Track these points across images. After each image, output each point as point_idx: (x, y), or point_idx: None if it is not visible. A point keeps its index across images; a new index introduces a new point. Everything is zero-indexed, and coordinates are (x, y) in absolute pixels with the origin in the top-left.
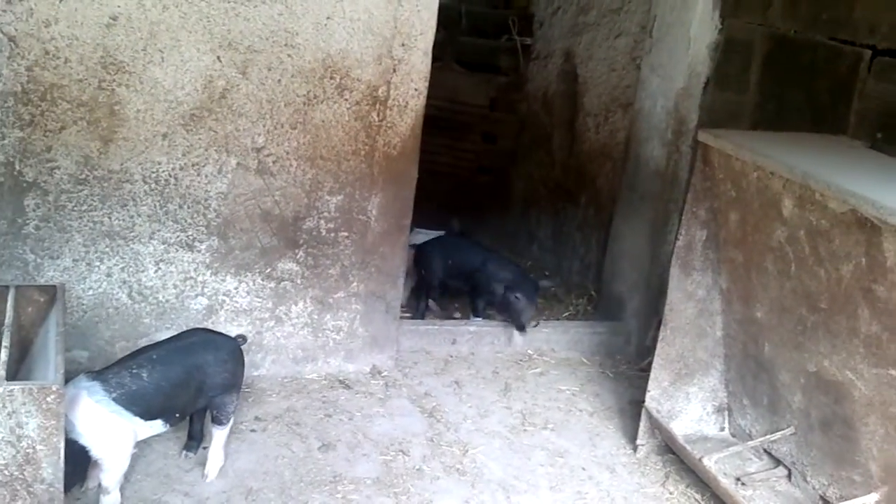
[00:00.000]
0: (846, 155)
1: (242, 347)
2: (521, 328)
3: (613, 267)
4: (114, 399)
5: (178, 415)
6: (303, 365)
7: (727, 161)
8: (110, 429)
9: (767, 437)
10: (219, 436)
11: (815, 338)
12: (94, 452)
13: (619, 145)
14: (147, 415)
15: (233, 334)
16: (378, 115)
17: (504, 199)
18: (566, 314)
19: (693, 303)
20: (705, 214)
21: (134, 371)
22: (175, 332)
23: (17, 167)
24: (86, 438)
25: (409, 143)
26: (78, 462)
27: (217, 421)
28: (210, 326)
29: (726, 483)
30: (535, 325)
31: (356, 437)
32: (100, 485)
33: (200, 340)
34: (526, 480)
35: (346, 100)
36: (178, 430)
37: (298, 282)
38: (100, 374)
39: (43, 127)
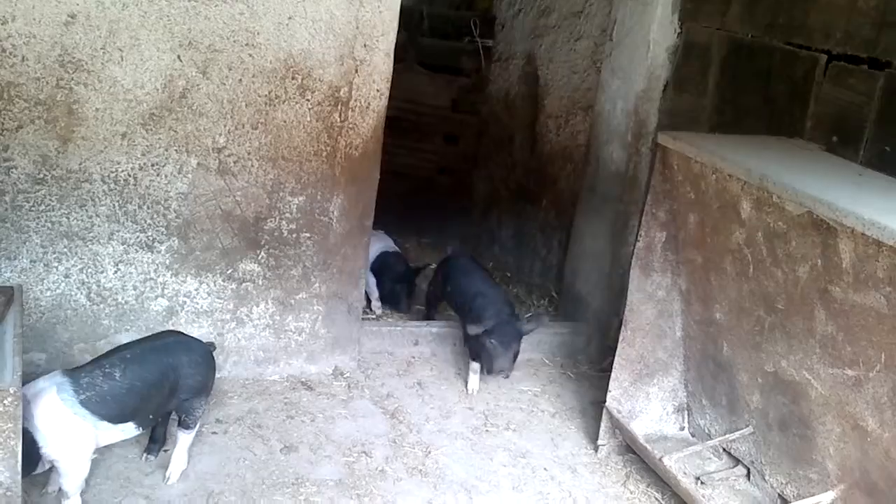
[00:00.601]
0: (802, 158)
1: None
2: (489, 372)
3: (574, 268)
4: (81, 401)
5: (150, 416)
6: (265, 366)
7: (686, 163)
8: (70, 431)
9: (727, 436)
10: (184, 439)
11: (772, 338)
12: (47, 451)
13: (579, 147)
14: (119, 418)
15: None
16: (340, 116)
17: (465, 200)
18: (528, 315)
19: (653, 304)
20: (665, 216)
21: (107, 370)
22: (135, 335)
23: None
24: (41, 434)
25: (370, 144)
26: (29, 453)
27: (184, 424)
28: (171, 328)
29: (686, 482)
30: (506, 377)
31: (318, 438)
32: (60, 489)
33: (175, 342)
34: (488, 481)
35: (308, 100)
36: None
37: (260, 283)
38: (73, 373)
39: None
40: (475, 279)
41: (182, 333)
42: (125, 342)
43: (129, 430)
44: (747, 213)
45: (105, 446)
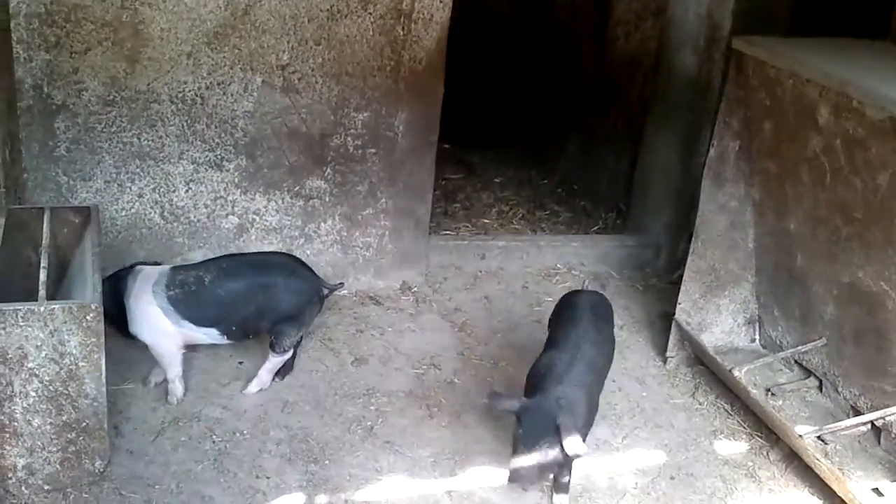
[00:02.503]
0: (886, 61)
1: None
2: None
3: (643, 180)
4: (168, 297)
5: (234, 328)
6: (333, 282)
7: (761, 69)
8: (151, 320)
9: (799, 348)
10: (270, 362)
11: (849, 249)
12: (132, 328)
13: (650, 55)
14: (201, 321)
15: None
16: (403, 29)
17: (532, 112)
18: (595, 228)
19: (725, 215)
20: (738, 124)
21: (200, 274)
22: (208, 252)
23: (46, 90)
24: (130, 313)
25: (434, 57)
26: (123, 319)
27: (272, 347)
28: (241, 246)
29: (756, 394)
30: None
31: (388, 351)
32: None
33: (278, 263)
34: None
35: (371, 14)
36: (216, 348)
37: (327, 199)
38: (175, 269)
39: (69, 48)
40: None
41: (296, 259)
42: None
43: (213, 335)
44: (825, 119)
45: (185, 358)
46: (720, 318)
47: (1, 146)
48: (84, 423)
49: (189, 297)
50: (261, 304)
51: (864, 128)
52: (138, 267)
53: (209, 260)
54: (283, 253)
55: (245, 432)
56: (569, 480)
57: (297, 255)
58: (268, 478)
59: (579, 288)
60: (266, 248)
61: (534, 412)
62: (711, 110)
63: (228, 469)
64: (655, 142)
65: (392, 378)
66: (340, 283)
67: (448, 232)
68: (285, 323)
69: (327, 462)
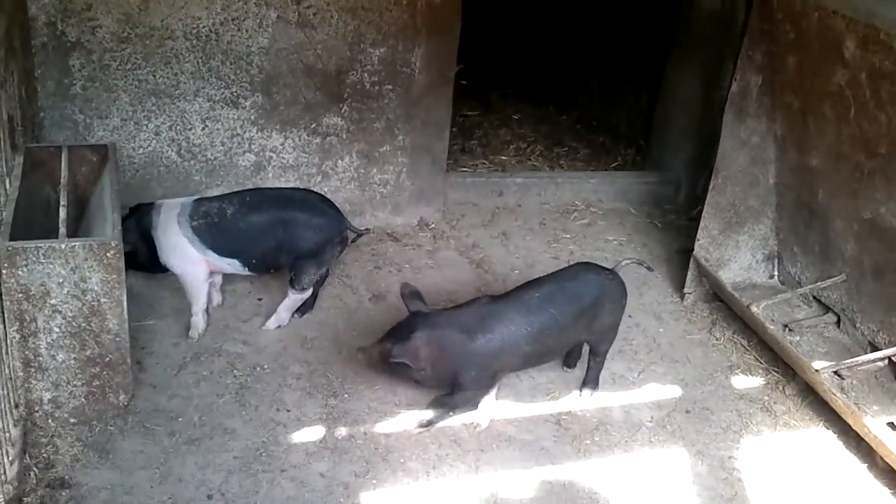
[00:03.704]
0: None
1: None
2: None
3: (664, 115)
4: (192, 226)
5: (255, 261)
6: (350, 219)
7: (786, 1)
8: (179, 248)
9: (817, 284)
10: (289, 299)
11: (871, 184)
12: (163, 259)
13: None
14: (223, 251)
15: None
16: None
17: (548, 46)
18: (614, 164)
19: (746, 150)
20: (762, 58)
21: (223, 206)
22: (226, 189)
23: (60, 27)
24: (159, 243)
25: None
26: (153, 256)
27: (291, 283)
28: (258, 183)
29: (774, 329)
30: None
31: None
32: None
33: (301, 199)
34: None
35: None
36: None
37: (344, 136)
38: (199, 200)
39: None
40: None
41: (319, 196)
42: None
43: (235, 266)
44: (851, 52)
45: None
46: (739, 254)
47: (17, 84)
48: (107, 358)
49: (211, 228)
50: (281, 239)
51: (892, 61)
52: (159, 201)
53: (234, 192)
54: (309, 190)
55: (265, 367)
56: (595, 376)
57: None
58: (288, 411)
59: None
60: (283, 186)
61: (406, 321)
62: (734, 44)
63: (249, 402)
64: (677, 77)
65: None
66: (367, 229)
67: (465, 169)
68: (305, 260)
69: (346, 396)
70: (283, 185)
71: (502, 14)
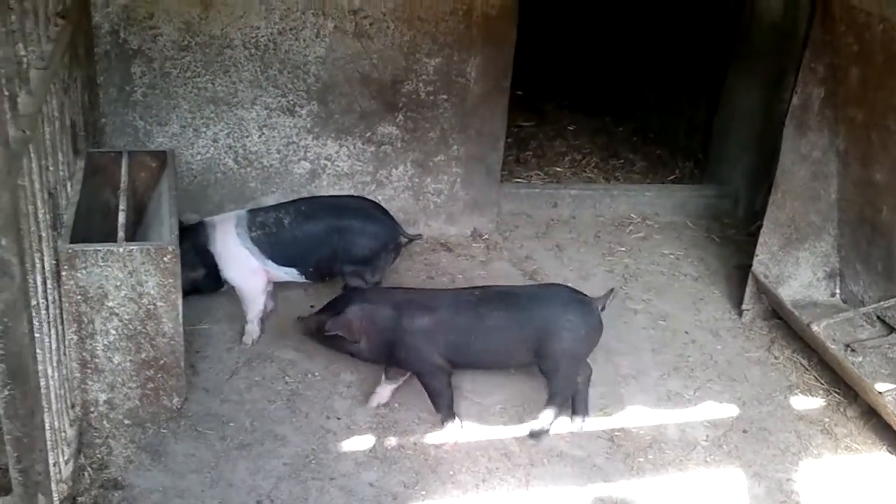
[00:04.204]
0: None
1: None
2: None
3: (723, 127)
4: (251, 237)
5: (311, 269)
6: (405, 227)
7: (850, 12)
8: (239, 259)
9: (881, 303)
10: None
11: None
12: (224, 273)
13: None
14: (281, 260)
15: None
16: None
17: (605, 56)
18: (671, 177)
19: (807, 164)
20: (824, 70)
21: (280, 216)
22: (280, 197)
23: (122, 35)
24: (219, 257)
25: (508, 1)
26: (213, 272)
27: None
28: (312, 191)
29: (835, 349)
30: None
31: None
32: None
33: (355, 207)
34: (627, 342)
35: None
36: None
37: (398, 145)
38: (254, 211)
39: None
40: None
41: (372, 203)
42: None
43: (293, 274)
44: None
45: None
46: (799, 270)
47: (80, 91)
48: (162, 361)
49: (270, 238)
50: (336, 246)
51: None
52: (208, 218)
53: (288, 202)
54: (362, 197)
55: (317, 374)
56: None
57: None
58: (338, 419)
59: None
60: (335, 194)
61: (342, 295)
62: (796, 56)
63: (300, 409)
64: (736, 89)
65: None
66: (419, 235)
67: (520, 180)
68: (359, 267)
69: (396, 405)
70: (338, 193)
71: (559, 24)
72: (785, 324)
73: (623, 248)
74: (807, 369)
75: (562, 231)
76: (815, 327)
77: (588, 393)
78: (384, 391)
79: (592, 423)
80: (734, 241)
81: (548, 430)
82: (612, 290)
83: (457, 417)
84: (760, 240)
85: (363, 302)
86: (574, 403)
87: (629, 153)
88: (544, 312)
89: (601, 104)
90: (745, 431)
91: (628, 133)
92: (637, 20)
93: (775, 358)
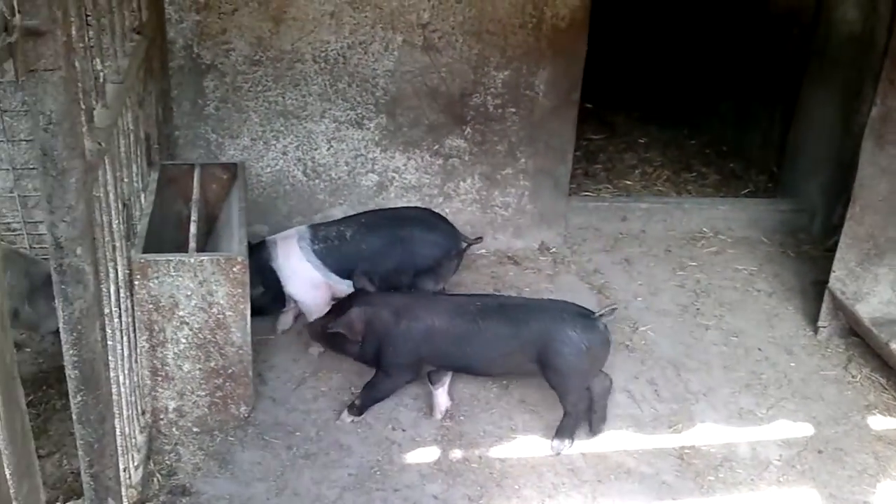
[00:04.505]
0: None
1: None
2: None
3: (798, 140)
4: (314, 251)
5: (374, 281)
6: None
7: None
8: (302, 274)
9: None
10: None
11: None
12: (287, 289)
13: (808, 8)
14: (345, 273)
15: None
16: None
17: (679, 69)
18: (745, 191)
19: (887, 178)
20: None
21: (341, 230)
22: (348, 209)
23: (196, 50)
24: (282, 273)
25: (579, 13)
26: (276, 289)
27: None
28: (380, 203)
29: None
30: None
31: None
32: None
33: (415, 217)
34: (698, 359)
35: None
36: None
37: (466, 158)
38: (316, 226)
39: (217, 9)
40: None
41: (431, 213)
42: (375, 208)
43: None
44: None
45: None
46: (878, 287)
47: (154, 104)
48: (230, 370)
49: (332, 251)
50: (399, 257)
51: None
52: (269, 237)
53: (348, 217)
54: (421, 207)
55: None
56: (565, 427)
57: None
58: (403, 430)
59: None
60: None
61: (348, 297)
62: (874, 67)
63: (366, 420)
64: (813, 101)
65: None
66: (479, 238)
67: (588, 193)
68: (423, 276)
69: (461, 418)
70: (402, 206)
71: (631, 36)
72: (863, 341)
73: (695, 263)
74: (885, 389)
75: (631, 245)
76: (894, 345)
77: (605, 407)
78: (441, 397)
79: (661, 439)
80: (810, 256)
81: (567, 446)
82: (613, 306)
83: (362, 417)
84: (838, 255)
85: (366, 304)
86: (590, 417)
87: (701, 166)
88: (543, 326)
89: (673, 117)
90: (820, 452)
91: (701, 146)
92: (710, 32)
93: (852, 377)
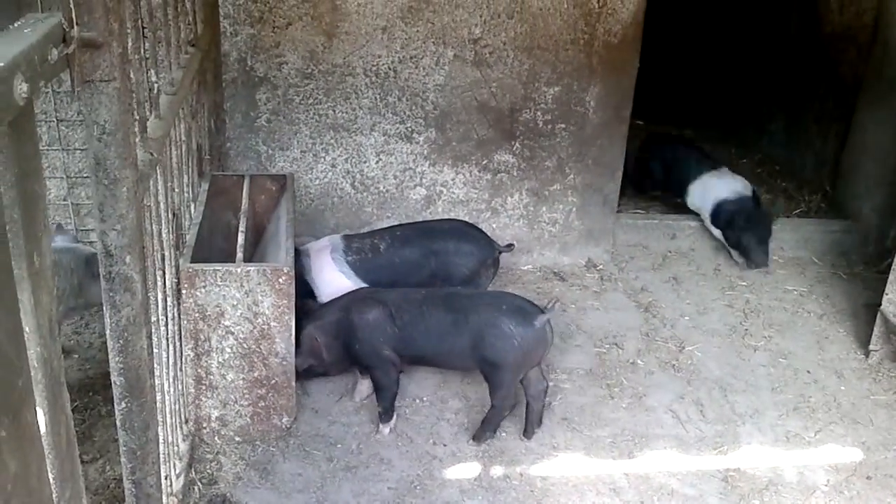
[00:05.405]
0: None
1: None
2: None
3: (853, 161)
4: (347, 261)
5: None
6: (518, 256)
7: None
8: (336, 284)
9: None
10: None
11: None
12: (320, 300)
13: (866, 28)
14: (377, 284)
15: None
16: (598, 2)
17: (733, 89)
18: (797, 211)
19: None
20: None
21: (375, 241)
22: (395, 222)
23: (249, 63)
24: (315, 284)
25: (631, 30)
26: (309, 299)
27: None
28: (428, 216)
29: None
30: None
31: (570, 328)
32: None
33: (449, 229)
34: (745, 380)
35: None
36: None
37: (514, 173)
38: (349, 237)
39: (271, 23)
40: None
41: (465, 223)
42: (413, 221)
43: None
44: None
45: None
46: None
47: (207, 116)
48: (274, 381)
49: (366, 263)
50: (434, 269)
51: None
52: (301, 247)
53: (383, 228)
54: (455, 219)
55: (424, 399)
56: (486, 427)
57: (485, 228)
58: (444, 445)
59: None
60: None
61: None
62: None
63: (407, 434)
64: (868, 122)
65: (573, 355)
66: (510, 245)
67: (637, 210)
68: (461, 286)
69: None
70: (445, 217)
71: (684, 54)
72: None
73: (744, 283)
74: None
75: (680, 263)
76: None
77: (541, 409)
78: (364, 384)
79: (705, 460)
80: (862, 278)
81: (488, 438)
82: (555, 301)
83: (395, 415)
84: (891, 277)
85: (309, 323)
86: (525, 418)
87: (753, 185)
88: (480, 318)
89: (726, 135)
90: (868, 478)
91: (753, 165)
92: (764, 50)
93: None
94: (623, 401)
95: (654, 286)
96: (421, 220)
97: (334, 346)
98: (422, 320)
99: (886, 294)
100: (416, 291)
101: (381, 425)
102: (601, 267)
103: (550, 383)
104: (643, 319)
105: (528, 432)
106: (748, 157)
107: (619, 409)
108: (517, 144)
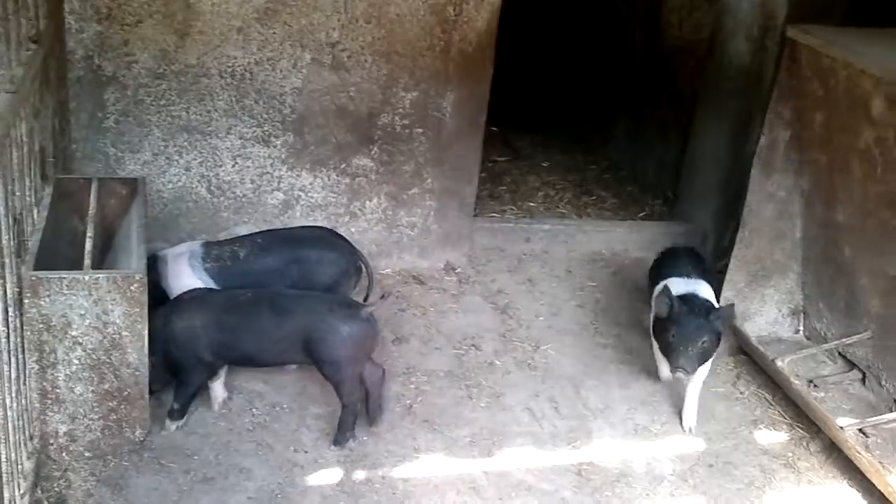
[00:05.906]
0: None
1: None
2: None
3: (692, 167)
4: (205, 268)
5: None
6: (377, 260)
7: (815, 58)
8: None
9: (843, 340)
10: None
11: None
12: None
13: (702, 41)
14: None
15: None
16: (454, 10)
17: (579, 96)
18: (642, 214)
19: (773, 204)
20: (790, 114)
21: (235, 249)
22: (252, 227)
23: (97, 61)
24: (171, 290)
25: (485, 38)
26: (161, 303)
27: None
28: (286, 222)
29: (799, 385)
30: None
31: (429, 331)
32: None
33: (311, 237)
34: (596, 377)
35: None
36: None
37: (373, 178)
38: (209, 244)
39: (120, 20)
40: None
41: (329, 231)
42: (273, 228)
43: None
44: (879, 111)
45: None
46: (764, 307)
47: (51, 116)
48: (125, 392)
49: (225, 270)
50: (296, 277)
51: None
52: (159, 252)
53: (244, 236)
54: (318, 227)
55: (284, 406)
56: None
57: (344, 232)
58: (306, 452)
59: None
60: (311, 225)
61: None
62: (763, 99)
63: (267, 442)
64: (705, 130)
65: (432, 357)
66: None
67: (493, 214)
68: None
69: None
70: (308, 224)
71: (537, 62)
72: (750, 359)
73: (594, 284)
74: (771, 404)
75: (534, 265)
76: (779, 363)
77: (381, 397)
78: (218, 389)
79: (560, 455)
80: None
81: (348, 439)
82: (382, 293)
83: (185, 417)
84: (727, 277)
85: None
86: (367, 408)
87: (601, 190)
88: (307, 317)
89: (575, 142)
90: (710, 465)
91: (600, 171)
92: (612, 62)
93: (740, 393)
94: (482, 400)
95: (511, 288)
96: (281, 226)
97: (157, 350)
98: (247, 325)
99: (723, 292)
100: (242, 293)
101: (168, 421)
102: (459, 270)
103: (412, 386)
104: (500, 321)
105: (372, 420)
106: (596, 164)
107: (477, 408)
108: (375, 149)
